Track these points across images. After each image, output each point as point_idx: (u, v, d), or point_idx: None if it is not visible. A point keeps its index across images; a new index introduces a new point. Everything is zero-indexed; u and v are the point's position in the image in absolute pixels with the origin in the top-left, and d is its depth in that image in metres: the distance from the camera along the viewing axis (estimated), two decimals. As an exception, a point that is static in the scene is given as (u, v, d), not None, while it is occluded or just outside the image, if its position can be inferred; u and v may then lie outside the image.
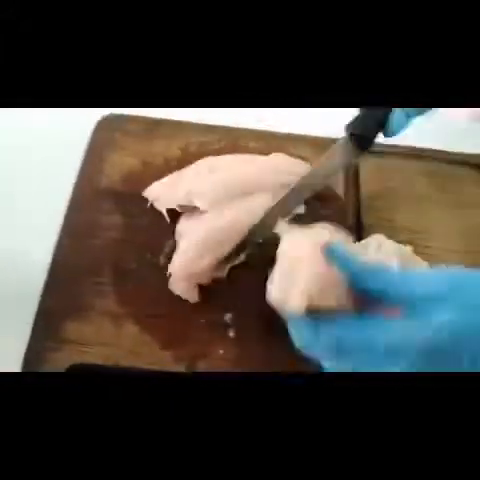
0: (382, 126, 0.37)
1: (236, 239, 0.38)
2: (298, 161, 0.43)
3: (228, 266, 0.38)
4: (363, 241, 0.40)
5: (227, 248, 0.37)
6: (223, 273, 0.38)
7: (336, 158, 0.39)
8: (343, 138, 0.38)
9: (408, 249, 0.39)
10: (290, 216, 0.40)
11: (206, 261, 0.37)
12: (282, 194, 0.39)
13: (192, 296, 0.37)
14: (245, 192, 0.39)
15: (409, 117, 0.37)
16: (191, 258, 0.37)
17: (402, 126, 0.37)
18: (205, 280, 0.37)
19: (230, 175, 0.40)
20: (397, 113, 0.36)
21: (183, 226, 0.40)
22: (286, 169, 0.41)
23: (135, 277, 0.39)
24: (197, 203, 0.38)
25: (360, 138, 0.37)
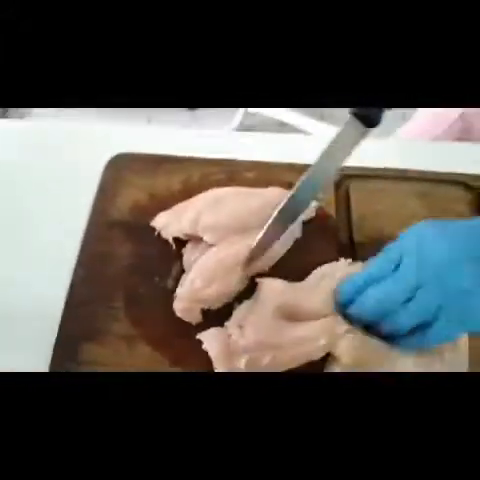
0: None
1: (241, 271, 0.40)
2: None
3: (234, 293, 0.41)
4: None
5: (233, 280, 0.40)
6: (229, 299, 0.41)
7: (345, 139, 0.38)
8: (348, 121, 0.38)
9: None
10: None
11: (212, 290, 0.40)
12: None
13: (195, 318, 0.40)
14: (247, 226, 0.42)
15: None
16: (197, 288, 0.40)
17: None
18: (210, 306, 0.40)
19: (234, 210, 0.43)
20: None
21: (190, 254, 0.43)
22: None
23: (145, 300, 0.42)
24: (205, 237, 0.42)
25: (365, 117, 0.37)
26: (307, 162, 0.50)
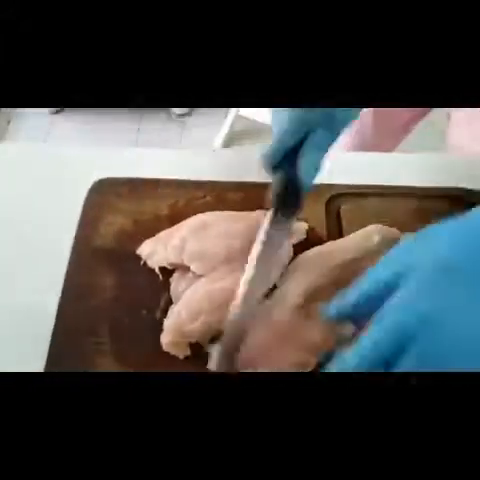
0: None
1: (228, 306, 0.39)
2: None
3: (221, 327, 0.39)
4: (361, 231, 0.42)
5: (221, 314, 0.39)
6: (217, 332, 0.39)
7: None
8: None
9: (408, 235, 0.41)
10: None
11: (198, 324, 0.38)
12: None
13: (182, 352, 0.39)
14: (234, 254, 0.41)
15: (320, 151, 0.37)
16: (184, 322, 0.38)
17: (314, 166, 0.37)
18: (197, 340, 0.39)
19: (221, 237, 0.42)
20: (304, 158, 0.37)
21: (177, 284, 0.42)
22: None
23: (131, 334, 0.41)
24: (191, 266, 0.41)
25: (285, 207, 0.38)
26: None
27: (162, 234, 0.44)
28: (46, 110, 1.72)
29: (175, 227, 0.44)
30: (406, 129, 0.78)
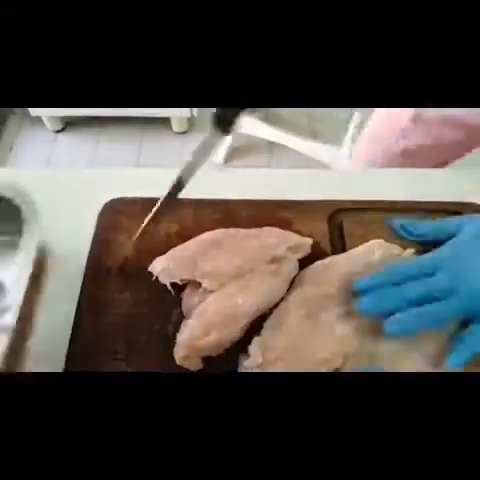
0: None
1: (242, 322, 0.41)
2: (289, 233, 0.47)
3: (233, 341, 0.41)
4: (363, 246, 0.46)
5: (232, 330, 0.40)
6: (230, 346, 0.41)
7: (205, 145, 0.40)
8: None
9: (409, 251, 0.46)
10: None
11: (211, 339, 0.40)
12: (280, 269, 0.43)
13: (195, 366, 0.40)
14: (244, 271, 0.43)
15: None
16: (196, 337, 0.40)
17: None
18: (210, 354, 0.41)
19: (231, 254, 0.44)
20: None
21: (188, 300, 0.43)
22: (281, 243, 0.45)
23: (146, 349, 0.42)
24: (203, 283, 0.42)
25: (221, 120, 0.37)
26: (301, 199, 0.51)
27: (173, 251, 0.46)
28: (49, 131, 1.75)
29: (186, 244, 0.46)
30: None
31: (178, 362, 0.41)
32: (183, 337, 0.41)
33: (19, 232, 0.45)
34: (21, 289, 0.40)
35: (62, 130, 1.77)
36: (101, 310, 0.45)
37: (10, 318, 0.38)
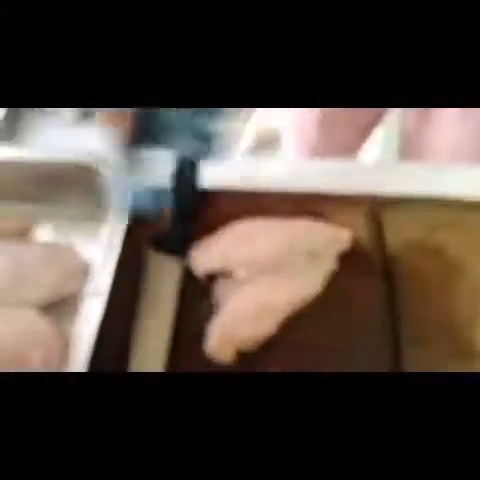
0: None
1: (277, 316, 0.39)
2: (326, 226, 0.45)
3: (267, 337, 0.39)
4: None
5: (266, 325, 0.38)
6: (263, 341, 0.39)
7: None
8: None
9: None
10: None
11: (244, 333, 0.38)
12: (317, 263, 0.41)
13: (228, 359, 0.38)
14: (277, 262, 0.41)
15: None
16: (229, 330, 0.38)
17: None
18: (243, 348, 0.39)
19: (264, 245, 0.42)
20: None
21: (221, 290, 0.42)
22: (318, 235, 0.43)
23: (178, 341, 0.40)
24: (236, 273, 0.40)
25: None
26: (338, 192, 0.49)
27: (206, 241, 0.44)
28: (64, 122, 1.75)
29: (219, 234, 0.44)
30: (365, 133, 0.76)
31: (211, 354, 0.39)
32: (215, 329, 0.39)
33: (102, 203, 0.43)
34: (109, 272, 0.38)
35: (79, 121, 1.77)
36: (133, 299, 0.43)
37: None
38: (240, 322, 0.38)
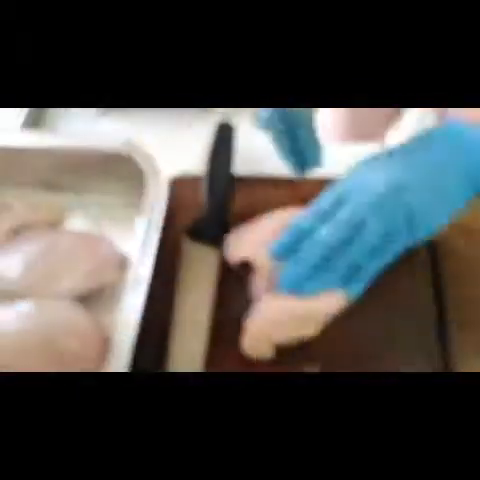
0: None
1: (314, 323, 0.37)
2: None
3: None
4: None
5: (305, 330, 0.37)
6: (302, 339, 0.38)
7: None
8: None
9: None
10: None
11: (281, 334, 0.37)
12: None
13: (265, 354, 0.37)
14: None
15: None
16: (266, 328, 0.37)
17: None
18: (282, 343, 0.38)
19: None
20: None
21: (257, 283, 0.40)
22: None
23: (213, 334, 0.40)
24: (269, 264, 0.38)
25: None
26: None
27: (241, 230, 0.43)
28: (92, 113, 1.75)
29: (257, 223, 0.42)
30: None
31: (246, 350, 0.38)
32: (252, 325, 0.38)
33: (139, 192, 0.42)
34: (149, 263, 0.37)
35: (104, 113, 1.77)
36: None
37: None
38: (277, 325, 0.36)
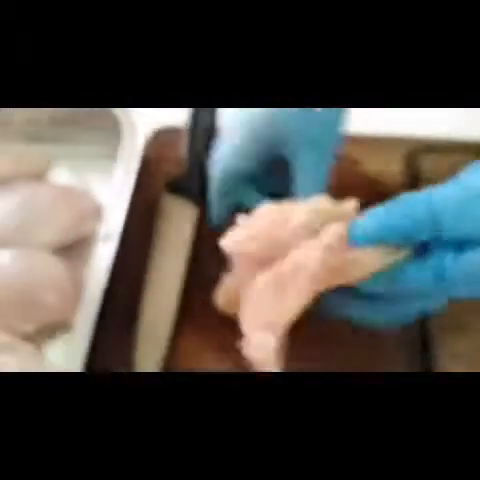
0: None
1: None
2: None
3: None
4: None
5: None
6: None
7: None
8: None
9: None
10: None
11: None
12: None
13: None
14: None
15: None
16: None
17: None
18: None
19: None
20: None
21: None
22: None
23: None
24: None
25: None
26: (374, 133, 0.45)
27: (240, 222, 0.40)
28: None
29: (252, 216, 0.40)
30: None
31: (220, 305, 0.37)
32: (224, 290, 0.36)
33: (117, 143, 0.42)
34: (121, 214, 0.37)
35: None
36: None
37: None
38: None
